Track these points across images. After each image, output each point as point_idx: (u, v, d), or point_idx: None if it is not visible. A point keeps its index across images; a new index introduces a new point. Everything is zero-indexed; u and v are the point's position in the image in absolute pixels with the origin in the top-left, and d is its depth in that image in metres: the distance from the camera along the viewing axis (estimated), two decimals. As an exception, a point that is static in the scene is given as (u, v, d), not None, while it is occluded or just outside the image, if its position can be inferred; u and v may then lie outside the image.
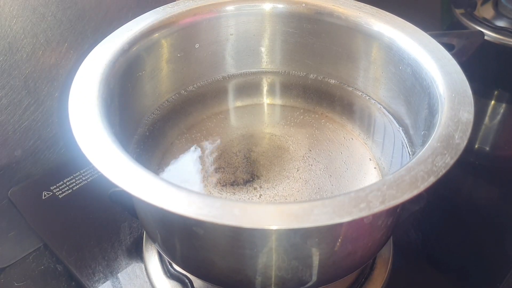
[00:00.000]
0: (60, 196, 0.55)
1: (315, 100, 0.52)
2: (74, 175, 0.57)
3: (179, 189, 0.31)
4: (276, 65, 0.55)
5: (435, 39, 0.44)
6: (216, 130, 0.49)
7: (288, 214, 0.30)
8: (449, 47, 0.47)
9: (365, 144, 0.48)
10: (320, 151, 0.47)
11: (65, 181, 0.57)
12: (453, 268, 0.50)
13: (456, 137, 0.35)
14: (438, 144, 0.34)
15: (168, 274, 0.47)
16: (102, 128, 0.35)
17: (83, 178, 0.57)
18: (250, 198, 0.43)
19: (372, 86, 0.51)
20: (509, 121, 0.71)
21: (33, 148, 0.58)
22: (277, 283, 0.38)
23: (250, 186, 0.44)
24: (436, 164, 0.33)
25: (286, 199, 0.43)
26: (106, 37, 0.44)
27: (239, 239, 0.35)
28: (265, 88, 0.54)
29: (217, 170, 0.45)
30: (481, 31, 0.74)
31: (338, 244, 0.36)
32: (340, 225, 0.34)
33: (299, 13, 0.51)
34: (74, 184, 0.57)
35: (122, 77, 0.43)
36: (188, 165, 0.46)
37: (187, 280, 0.46)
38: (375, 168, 0.46)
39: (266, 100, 0.53)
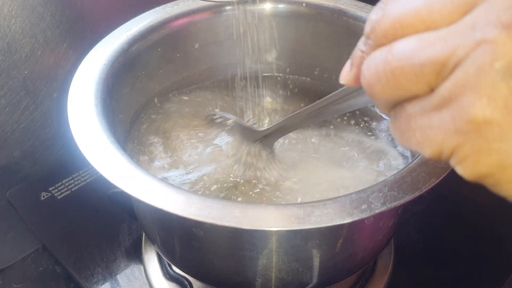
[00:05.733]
0: (58, 197, 0.55)
1: (315, 100, 0.52)
2: (73, 176, 0.57)
3: (178, 190, 0.31)
4: (276, 65, 0.54)
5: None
6: (216, 130, 0.48)
7: (288, 215, 0.29)
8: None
9: (366, 143, 0.48)
10: (322, 151, 0.47)
11: (63, 182, 0.57)
12: (455, 270, 0.50)
13: (458, 137, 0.35)
14: (440, 145, 0.34)
15: (168, 276, 0.47)
16: (101, 129, 0.35)
17: (82, 179, 0.57)
18: (251, 197, 0.42)
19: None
20: None
21: (32, 149, 0.57)
22: (278, 285, 0.38)
23: (251, 184, 0.43)
24: (438, 165, 0.32)
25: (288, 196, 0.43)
26: (105, 37, 0.44)
27: (239, 241, 0.35)
28: (265, 89, 0.54)
29: (216, 169, 0.45)
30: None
31: (339, 245, 0.36)
32: (341, 226, 0.34)
33: (300, 13, 0.50)
34: (73, 185, 0.56)
35: (121, 77, 0.43)
36: (187, 164, 0.45)
37: (186, 282, 0.45)
38: (377, 167, 0.45)
39: (266, 100, 0.53)
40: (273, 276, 0.37)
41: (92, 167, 0.32)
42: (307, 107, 0.36)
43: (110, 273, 0.48)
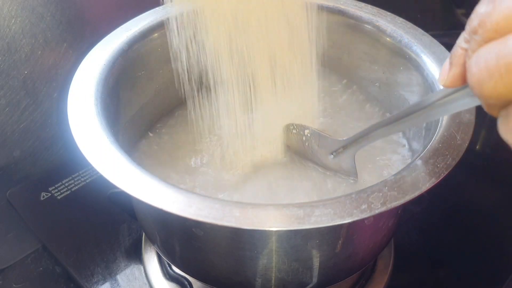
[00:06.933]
0: (58, 197, 0.55)
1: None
2: (72, 176, 0.57)
3: (178, 190, 0.31)
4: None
5: (436, 39, 0.44)
6: (217, 130, 0.48)
7: (288, 215, 0.29)
8: (450, 48, 0.47)
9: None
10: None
11: (63, 182, 0.57)
12: (455, 270, 0.50)
13: (458, 138, 0.35)
14: (440, 145, 0.34)
15: (167, 276, 0.47)
16: (101, 129, 0.35)
17: (82, 179, 0.57)
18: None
19: (372, 86, 0.50)
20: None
21: (32, 149, 0.57)
22: (278, 285, 0.38)
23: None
24: (438, 165, 0.32)
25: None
26: (105, 37, 0.44)
27: (239, 241, 0.35)
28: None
29: (217, 167, 0.45)
30: (482, 31, 0.73)
31: (339, 245, 0.36)
32: (341, 226, 0.34)
33: (300, 13, 0.50)
34: (72, 185, 0.56)
35: (121, 77, 0.43)
36: (187, 164, 0.45)
37: (186, 282, 0.45)
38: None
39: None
40: (273, 276, 0.37)
41: (92, 167, 0.32)
42: (394, 114, 0.33)
43: (110, 273, 0.48)
